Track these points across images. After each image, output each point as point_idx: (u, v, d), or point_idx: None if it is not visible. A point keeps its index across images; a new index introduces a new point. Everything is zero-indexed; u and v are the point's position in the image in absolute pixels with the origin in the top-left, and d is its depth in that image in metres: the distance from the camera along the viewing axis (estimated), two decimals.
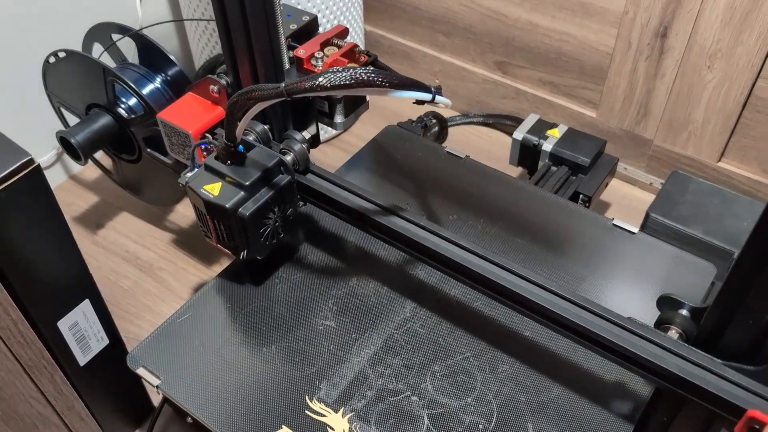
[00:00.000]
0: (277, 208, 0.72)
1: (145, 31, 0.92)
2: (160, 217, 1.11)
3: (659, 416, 0.65)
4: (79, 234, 1.09)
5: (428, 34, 1.25)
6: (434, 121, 1.11)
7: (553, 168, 0.98)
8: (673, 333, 0.61)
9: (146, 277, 1.03)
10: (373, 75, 0.54)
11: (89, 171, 1.18)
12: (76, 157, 0.90)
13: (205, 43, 1.13)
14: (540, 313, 0.63)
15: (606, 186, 1.01)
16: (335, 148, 1.21)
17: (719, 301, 0.55)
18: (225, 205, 0.68)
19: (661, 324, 0.62)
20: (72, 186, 1.17)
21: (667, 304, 0.62)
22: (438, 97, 0.59)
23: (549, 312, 0.62)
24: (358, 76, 0.54)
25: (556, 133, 1.00)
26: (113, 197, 1.14)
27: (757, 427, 0.53)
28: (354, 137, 1.23)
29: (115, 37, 0.94)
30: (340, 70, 0.55)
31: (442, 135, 1.16)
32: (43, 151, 1.13)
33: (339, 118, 0.79)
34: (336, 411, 0.67)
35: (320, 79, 0.55)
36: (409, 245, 0.70)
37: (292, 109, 0.79)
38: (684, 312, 0.61)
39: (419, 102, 0.59)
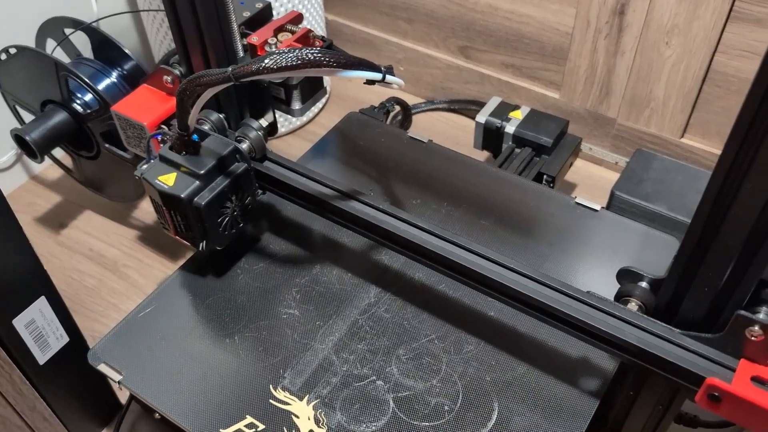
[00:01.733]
0: (234, 196, 0.71)
1: (101, 26, 0.90)
2: (123, 214, 1.10)
3: (624, 391, 0.66)
4: (42, 234, 1.07)
5: (390, 22, 1.24)
6: (397, 107, 1.11)
7: (517, 150, 0.98)
8: (633, 305, 0.60)
9: (111, 275, 1.02)
10: (320, 55, 0.54)
11: (51, 171, 1.16)
12: (32, 155, 0.89)
13: (163, 36, 1.11)
14: (499, 290, 0.62)
15: (570, 166, 1.01)
16: (300, 139, 1.21)
17: (675, 271, 0.55)
18: (180, 195, 0.67)
19: (621, 297, 0.62)
20: (34, 186, 1.15)
21: (626, 276, 0.62)
22: (389, 77, 0.58)
23: (507, 289, 0.61)
24: (304, 56, 0.54)
25: (518, 115, 1.00)
26: (75, 196, 1.12)
27: (716, 394, 0.53)
28: (319, 127, 1.22)
29: (67, 31, 0.92)
30: (286, 51, 0.54)
31: (406, 122, 1.16)
32: (2, 152, 1.11)
33: (296, 105, 0.78)
34: (301, 399, 0.66)
35: (266, 60, 0.54)
36: (370, 230, 0.69)
37: (247, 96, 0.78)
38: (643, 284, 0.61)
39: (369, 82, 0.58)
